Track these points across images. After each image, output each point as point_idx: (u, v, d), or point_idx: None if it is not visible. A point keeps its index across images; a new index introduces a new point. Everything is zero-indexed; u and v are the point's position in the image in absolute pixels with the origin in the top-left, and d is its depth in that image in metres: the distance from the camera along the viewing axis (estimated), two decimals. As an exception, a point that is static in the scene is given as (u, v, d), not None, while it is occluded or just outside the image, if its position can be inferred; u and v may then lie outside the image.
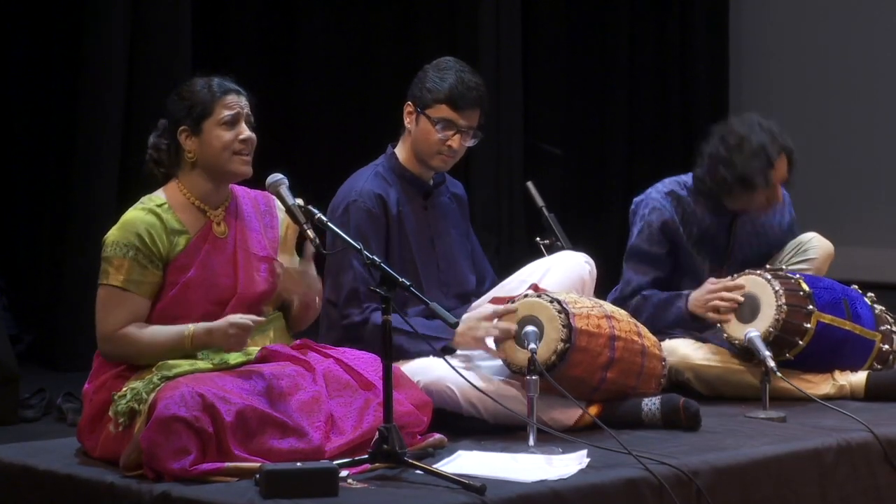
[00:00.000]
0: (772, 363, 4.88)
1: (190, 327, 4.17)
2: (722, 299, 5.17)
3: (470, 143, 4.87)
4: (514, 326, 4.60)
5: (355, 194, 4.81)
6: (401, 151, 4.93)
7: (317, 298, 4.44)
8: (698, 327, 5.32)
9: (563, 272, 4.96)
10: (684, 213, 5.41)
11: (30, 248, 6.83)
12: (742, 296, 5.17)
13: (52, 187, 6.77)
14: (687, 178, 5.47)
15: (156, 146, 4.34)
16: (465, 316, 4.70)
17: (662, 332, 5.21)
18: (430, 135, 4.83)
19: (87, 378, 4.31)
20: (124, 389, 4.12)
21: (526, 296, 4.71)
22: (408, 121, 4.87)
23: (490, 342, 4.67)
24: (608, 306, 4.82)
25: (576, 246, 5.46)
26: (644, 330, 4.87)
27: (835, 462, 4.53)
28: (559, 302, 4.62)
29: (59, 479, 4.10)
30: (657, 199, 5.41)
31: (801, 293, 5.15)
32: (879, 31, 9.55)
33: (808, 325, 5.13)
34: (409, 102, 4.87)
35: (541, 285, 4.84)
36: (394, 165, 4.91)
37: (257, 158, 4.40)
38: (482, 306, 4.80)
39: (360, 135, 8.10)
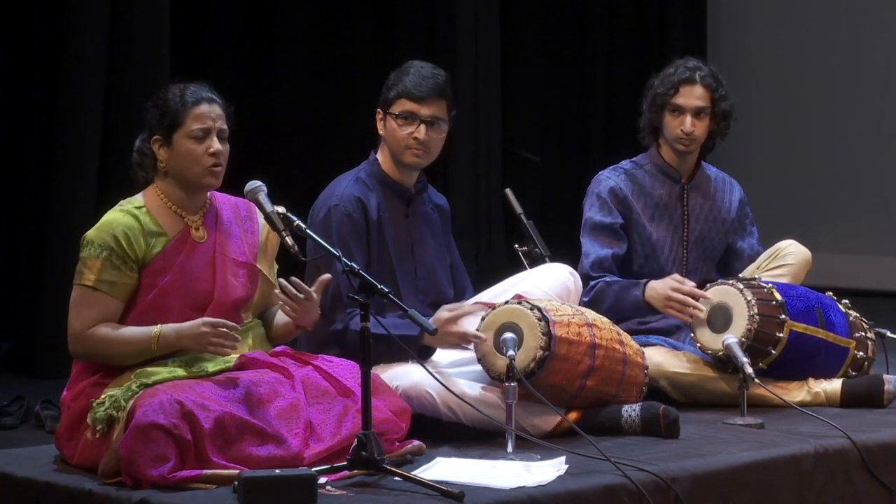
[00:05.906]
0: (749, 370, 4.88)
1: (157, 327, 4.16)
2: (683, 304, 5.19)
3: (438, 134, 4.85)
4: (486, 337, 4.60)
5: (336, 199, 4.81)
6: (381, 159, 4.94)
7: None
8: (666, 327, 5.34)
9: (548, 283, 4.98)
10: (635, 186, 5.51)
11: (8, 255, 6.80)
12: (713, 306, 5.18)
13: (31, 193, 6.73)
14: (639, 157, 5.59)
15: (140, 150, 4.35)
16: (442, 310, 4.69)
17: (637, 335, 5.23)
18: (396, 132, 4.83)
19: (65, 385, 4.31)
20: (103, 397, 4.11)
21: (507, 303, 4.72)
22: (380, 128, 4.89)
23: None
24: (590, 314, 4.82)
25: (554, 254, 5.47)
26: (627, 338, 4.88)
27: (813, 469, 4.54)
28: (540, 309, 4.62)
29: (38, 486, 4.09)
30: (604, 174, 5.57)
31: (774, 302, 5.15)
32: (861, 41, 9.58)
33: (781, 335, 5.13)
34: (378, 109, 4.89)
35: (525, 296, 4.84)
36: (375, 171, 4.91)
37: (236, 165, 4.39)
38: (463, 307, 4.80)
39: (338, 141, 8.09)
